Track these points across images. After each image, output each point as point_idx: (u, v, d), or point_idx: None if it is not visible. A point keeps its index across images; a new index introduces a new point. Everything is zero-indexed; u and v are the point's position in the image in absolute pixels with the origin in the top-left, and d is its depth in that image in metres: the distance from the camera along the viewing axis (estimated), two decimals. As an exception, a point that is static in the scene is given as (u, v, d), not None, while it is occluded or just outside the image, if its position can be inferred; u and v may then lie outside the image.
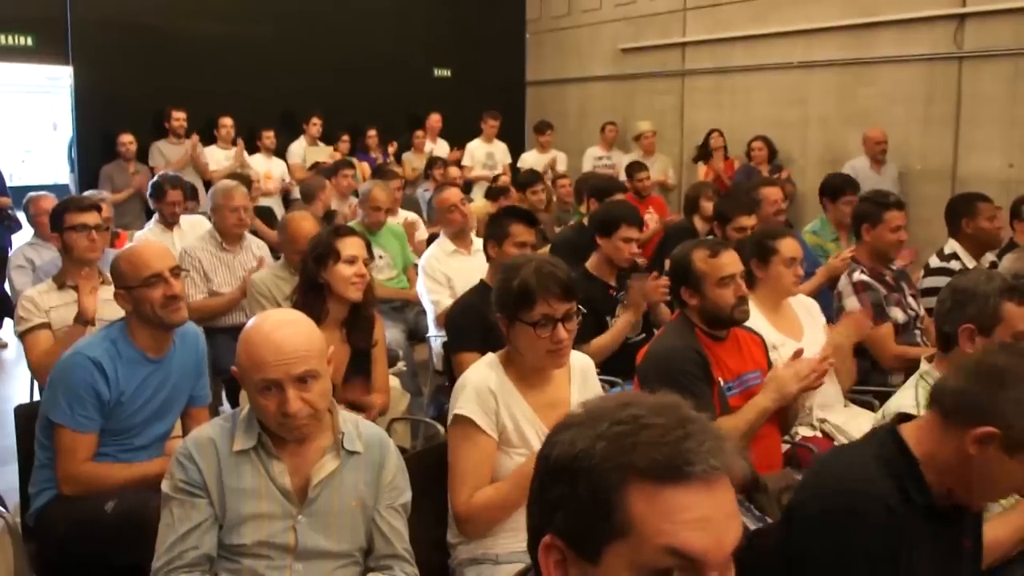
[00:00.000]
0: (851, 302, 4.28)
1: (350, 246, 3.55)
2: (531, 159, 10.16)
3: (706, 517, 1.11)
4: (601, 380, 3.17)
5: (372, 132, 10.22)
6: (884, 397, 2.80)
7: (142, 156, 9.01)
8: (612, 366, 3.98)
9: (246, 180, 6.77)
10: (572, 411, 1.21)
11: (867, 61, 8.46)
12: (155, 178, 6.20)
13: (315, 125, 9.80)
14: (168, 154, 9.03)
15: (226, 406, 4.61)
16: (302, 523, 2.22)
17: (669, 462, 1.11)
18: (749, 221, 4.90)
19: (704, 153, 9.28)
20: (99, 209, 4.31)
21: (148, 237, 5.90)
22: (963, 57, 7.76)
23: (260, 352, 2.15)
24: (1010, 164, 7.37)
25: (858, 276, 4.36)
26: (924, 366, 2.69)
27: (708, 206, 5.83)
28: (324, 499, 2.25)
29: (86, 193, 6.01)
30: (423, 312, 5.27)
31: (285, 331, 2.18)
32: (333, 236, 3.60)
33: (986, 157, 7.62)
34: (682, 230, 6.01)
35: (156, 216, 6.08)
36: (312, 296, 3.51)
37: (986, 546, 2.41)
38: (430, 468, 2.77)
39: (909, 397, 2.60)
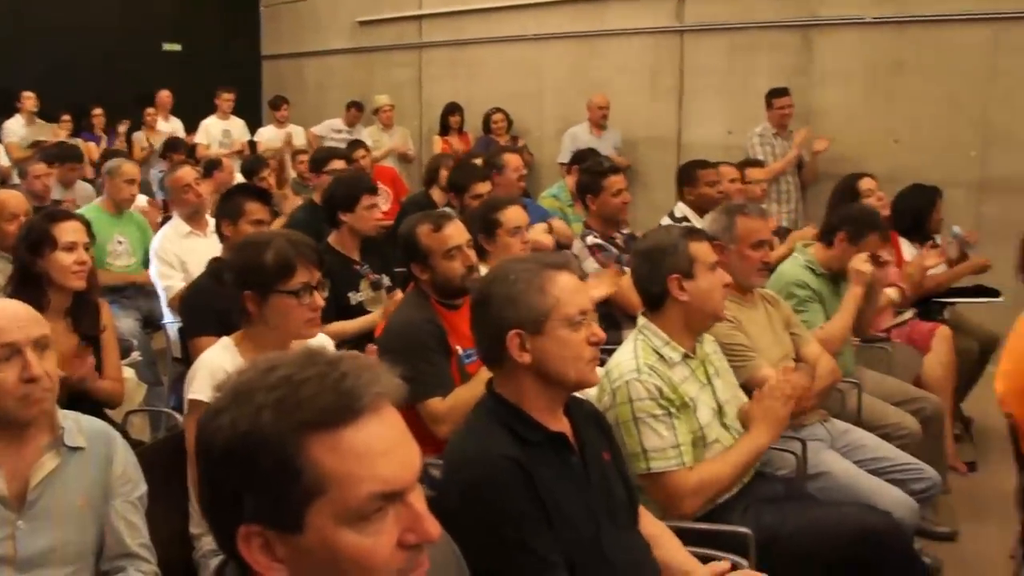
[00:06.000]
0: (589, 263, 4.52)
1: (68, 232, 3.35)
2: (268, 134, 9.93)
3: (389, 445, 1.14)
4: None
5: (98, 111, 9.70)
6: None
7: None
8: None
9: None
10: (215, 396, 1.19)
11: (597, 34, 8.75)
12: None
13: (29, 99, 9.07)
14: None
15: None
16: (23, 529, 2.07)
17: (337, 405, 1.12)
18: (484, 188, 5.01)
19: (443, 128, 9.37)
20: None
21: None
22: (684, 31, 8.17)
23: None
24: (729, 131, 7.86)
25: (591, 240, 4.63)
26: (641, 321, 2.87)
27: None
28: (46, 500, 2.11)
29: None
30: (158, 298, 5.06)
31: (10, 304, 2.18)
32: (48, 222, 3.37)
33: (708, 125, 8.07)
34: (420, 202, 6.07)
35: None
36: (29, 287, 3.29)
37: (707, 484, 2.64)
38: (167, 459, 2.69)
39: (628, 352, 2.75)
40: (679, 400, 2.68)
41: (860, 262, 3.90)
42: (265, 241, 2.68)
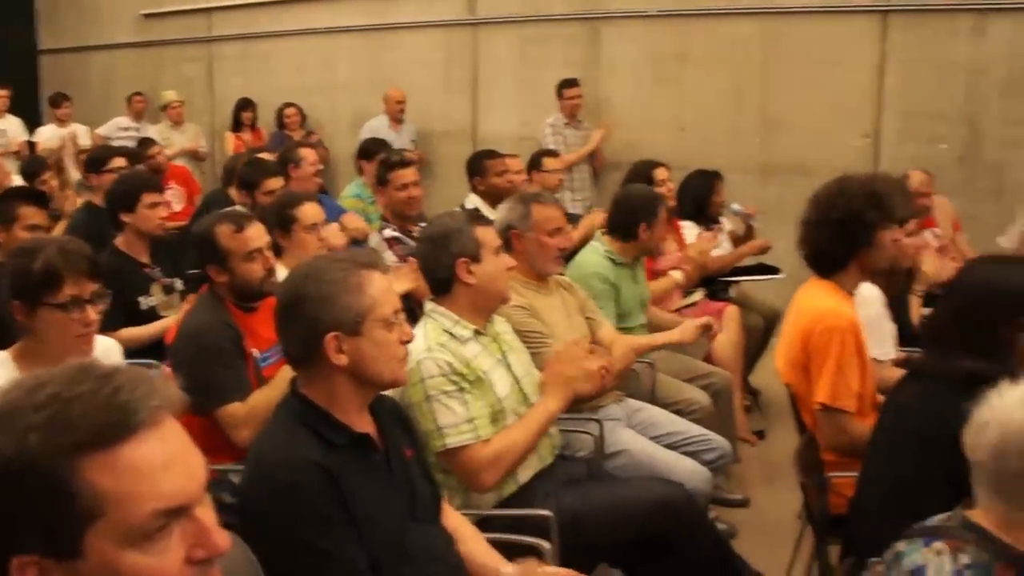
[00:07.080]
0: (388, 256, 4.52)
1: None
2: (48, 133, 9.35)
3: (170, 459, 1.10)
4: (133, 364, 3.03)
5: None
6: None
7: None
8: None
9: None
10: None
11: (390, 27, 8.72)
12: None
13: None
14: None
15: None
16: None
17: (112, 421, 1.07)
18: (277, 183, 4.91)
19: (236, 124, 9.14)
20: None
21: None
22: (478, 24, 8.25)
23: None
24: (523, 122, 7.98)
25: (389, 233, 4.67)
26: (429, 305, 2.90)
27: (247, 176, 5.77)
28: None
29: None
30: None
31: None
32: None
33: (502, 117, 8.19)
34: (219, 201, 5.90)
35: None
36: None
37: (503, 454, 2.68)
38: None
39: (419, 334, 2.74)
40: (472, 375, 2.72)
41: (692, 328, 3.78)
42: (36, 249, 2.51)
